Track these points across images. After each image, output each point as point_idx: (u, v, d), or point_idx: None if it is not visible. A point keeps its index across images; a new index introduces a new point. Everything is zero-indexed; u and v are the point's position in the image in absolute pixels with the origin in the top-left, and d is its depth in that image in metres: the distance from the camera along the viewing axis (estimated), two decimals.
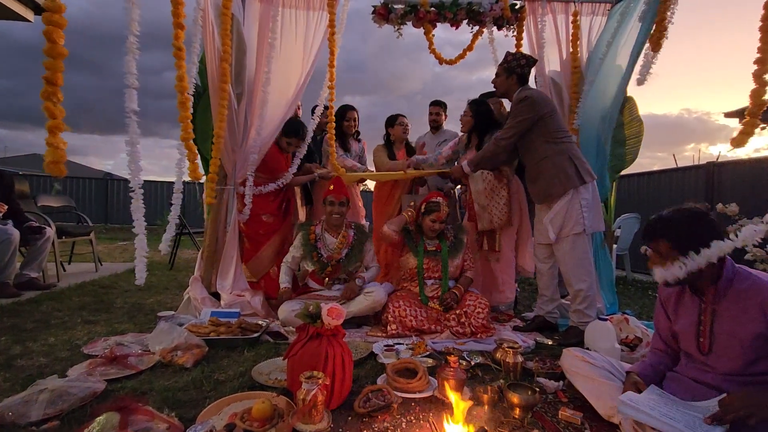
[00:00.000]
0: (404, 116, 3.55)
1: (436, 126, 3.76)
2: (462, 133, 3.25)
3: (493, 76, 2.75)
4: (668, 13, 2.67)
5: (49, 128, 1.52)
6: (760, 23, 1.96)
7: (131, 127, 1.81)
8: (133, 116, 1.80)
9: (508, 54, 2.69)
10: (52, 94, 1.52)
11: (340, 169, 3.18)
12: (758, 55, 1.99)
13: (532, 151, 2.56)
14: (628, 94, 3.15)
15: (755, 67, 1.95)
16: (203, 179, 2.74)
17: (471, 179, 2.91)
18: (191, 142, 2.40)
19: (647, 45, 2.72)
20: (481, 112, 3.04)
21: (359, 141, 3.71)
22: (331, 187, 2.76)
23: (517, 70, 2.60)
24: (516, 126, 2.52)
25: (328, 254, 2.75)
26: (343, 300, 2.61)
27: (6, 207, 3.31)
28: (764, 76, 1.98)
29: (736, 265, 1.31)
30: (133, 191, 1.86)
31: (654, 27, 2.69)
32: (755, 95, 2.02)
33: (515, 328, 2.69)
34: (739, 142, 2.11)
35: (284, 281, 2.74)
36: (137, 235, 1.92)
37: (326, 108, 3.23)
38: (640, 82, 2.75)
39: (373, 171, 3.55)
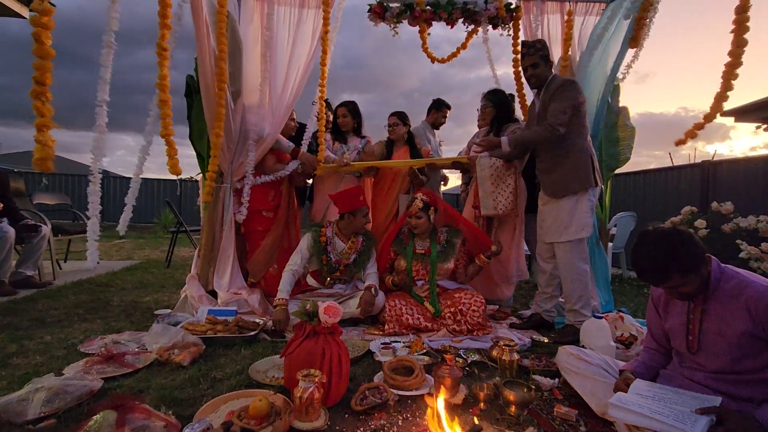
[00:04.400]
0: (392, 114, 3.35)
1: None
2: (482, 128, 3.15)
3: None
4: (649, 13, 2.74)
5: (37, 126, 1.57)
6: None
7: (100, 116, 1.88)
8: (104, 106, 1.88)
9: (536, 42, 2.57)
10: (41, 94, 1.58)
11: (322, 164, 3.10)
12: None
13: (558, 141, 2.44)
14: (622, 105, 3.14)
15: (753, 66, 2.09)
16: (201, 176, 2.72)
17: (477, 165, 2.86)
18: (171, 138, 2.35)
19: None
20: (501, 102, 2.96)
21: (363, 137, 3.52)
22: (361, 197, 2.71)
23: (548, 56, 2.56)
24: (569, 109, 2.37)
25: (336, 258, 2.73)
26: (364, 315, 2.57)
27: (1, 205, 3.30)
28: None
29: (722, 264, 1.33)
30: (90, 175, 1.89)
31: (634, 24, 2.75)
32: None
33: (512, 326, 2.71)
34: (681, 142, 2.45)
35: (284, 291, 2.50)
36: (90, 219, 1.94)
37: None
38: (619, 79, 2.86)
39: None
